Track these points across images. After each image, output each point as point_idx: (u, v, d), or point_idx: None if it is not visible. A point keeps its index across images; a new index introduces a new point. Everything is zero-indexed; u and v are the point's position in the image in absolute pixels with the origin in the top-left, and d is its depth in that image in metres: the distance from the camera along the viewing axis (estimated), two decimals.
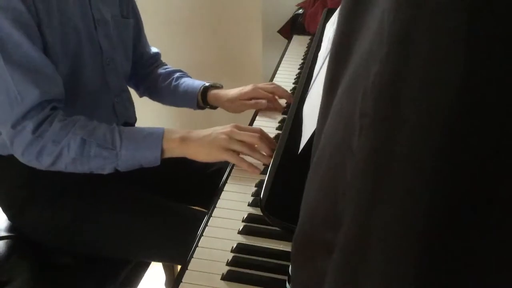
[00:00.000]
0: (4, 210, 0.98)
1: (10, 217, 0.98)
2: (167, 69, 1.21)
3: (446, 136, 0.25)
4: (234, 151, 0.86)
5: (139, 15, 1.16)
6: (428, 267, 0.26)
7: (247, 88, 1.10)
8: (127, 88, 1.13)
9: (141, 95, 1.25)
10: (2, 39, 0.79)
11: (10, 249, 0.93)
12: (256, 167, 0.86)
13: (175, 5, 1.86)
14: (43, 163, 0.84)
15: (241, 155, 0.87)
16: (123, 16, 1.06)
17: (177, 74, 1.19)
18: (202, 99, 1.14)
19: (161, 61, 1.25)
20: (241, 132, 0.87)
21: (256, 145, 0.87)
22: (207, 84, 1.14)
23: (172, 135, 0.86)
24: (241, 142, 0.86)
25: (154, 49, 1.23)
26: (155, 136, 0.86)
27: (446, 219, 0.26)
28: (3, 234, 0.96)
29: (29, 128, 0.81)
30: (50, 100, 0.84)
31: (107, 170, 0.86)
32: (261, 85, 1.11)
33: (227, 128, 0.87)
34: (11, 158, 0.90)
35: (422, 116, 0.26)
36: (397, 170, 0.27)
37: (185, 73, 1.22)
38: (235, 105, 1.11)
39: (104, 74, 0.99)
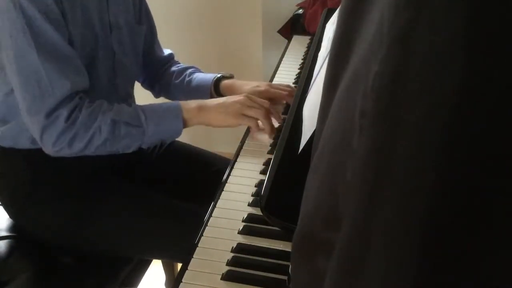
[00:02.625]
0: (6, 208, 0.99)
1: (11, 214, 0.98)
2: (179, 67, 1.21)
3: (446, 136, 0.25)
4: (248, 117, 0.91)
5: (153, 21, 1.17)
6: (428, 267, 0.26)
7: (260, 88, 1.08)
8: (133, 94, 1.13)
9: (157, 96, 1.25)
10: (35, 31, 0.81)
11: (11, 249, 0.93)
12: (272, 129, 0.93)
13: (175, 5, 1.86)
14: (74, 149, 0.86)
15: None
16: (137, 22, 1.07)
17: (190, 70, 1.20)
18: (215, 91, 1.14)
19: (175, 60, 1.25)
20: (253, 101, 0.93)
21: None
22: (218, 75, 1.15)
23: (189, 105, 0.92)
24: (254, 109, 0.91)
25: (167, 51, 1.24)
26: (174, 108, 0.91)
27: (446, 219, 0.26)
28: (4, 234, 0.96)
29: (62, 117, 0.83)
30: (79, 91, 0.87)
31: (133, 148, 0.90)
32: (276, 85, 1.11)
33: (240, 97, 0.94)
34: (13, 153, 0.90)
35: (422, 116, 0.26)
36: (397, 170, 0.27)
37: (198, 68, 1.22)
38: None
39: (114, 78, 1.00)
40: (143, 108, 0.90)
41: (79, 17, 0.88)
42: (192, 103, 0.92)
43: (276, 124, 0.96)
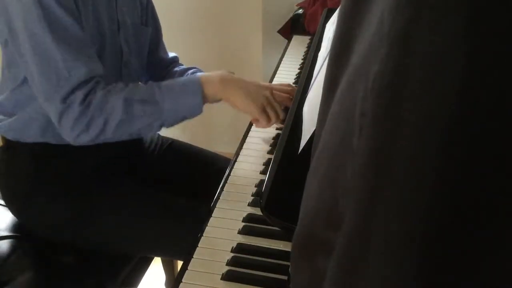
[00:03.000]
0: (8, 206, 0.99)
1: (13, 211, 0.99)
2: (181, 68, 1.22)
3: (446, 136, 0.25)
4: (267, 116, 0.89)
5: (159, 23, 1.17)
6: (428, 267, 0.26)
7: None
8: None
9: None
10: (52, 19, 0.81)
11: (11, 249, 0.93)
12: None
13: (176, 5, 1.86)
14: (92, 134, 0.85)
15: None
16: (142, 23, 1.07)
17: (191, 71, 1.19)
18: None
19: (179, 63, 1.24)
20: (277, 97, 0.92)
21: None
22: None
23: (211, 79, 0.88)
24: (274, 110, 0.90)
25: (171, 54, 1.24)
26: (193, 82, 0.88)
27: (446, 219, 0.26)
28: (5, 233, 0.97)
29: (78, 101, 0.82)
30: (95, 77, 0.86)
31: (155, 128, 0.87)
32: (277, 86, 1.04)
33: (267, 90, 0.91)
34: (17, 146, 0.90)
35: (422, 116, 0.26)
36: (397, 170, 0.27)
37: (199, 69, 1.21)
38: None
39: (121, 75, 1.00)
40: (160, 84, 0.88)
41: (90, 13, 0.88)
42: (215, 77, 0.89)
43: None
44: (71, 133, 0.85)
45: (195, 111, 0.88)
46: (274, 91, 0.97)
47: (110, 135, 0.86)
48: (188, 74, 1.16)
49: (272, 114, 0.90)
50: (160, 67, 1.20)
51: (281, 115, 0.91)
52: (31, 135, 0.92)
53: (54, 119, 0.85)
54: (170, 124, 0.88)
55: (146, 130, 0.87)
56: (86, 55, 0.85)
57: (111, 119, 0.84)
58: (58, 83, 0.82)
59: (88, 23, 0.88)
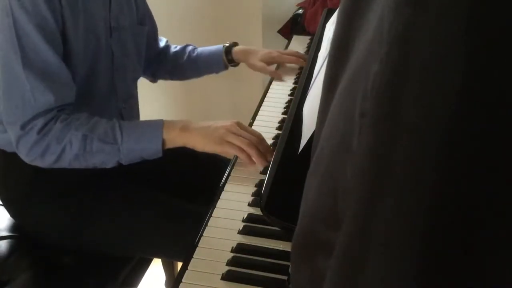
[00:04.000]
0: (6, 207, 0.99)
1: (12, 214, 0.98)
2: (176, 48, 1.27)
3: (446, 136, 0.25)
4: (232, 144, 0.85)
5: (154, 21, 1.20)
6: (428, 267, 0.26)
7: (273, 53, 1.24)
8: (136, 95, 1.14)
9: (154, 81, 1.31)
10: (24, 43, 0.80)
11: (11, 249, 0.93)
12: (254, 162, 0.85)
13: (175, 5, 1.86)
14: (47, 162, 0.85)
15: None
16: (139, 23, 1.07)
17: (190, 48, 1.26)
18: (227, 59, 1.24)
19: (171, 45, 1.29)
20: (241, 129, 0.87)
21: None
22: (227, 44, 1.25)
23: (172, 125, 0.88)
24: (239, 137, 0.85)
25: (162, 40, 1.28)
26: (155, 127, 0.87)
27: (446, 219, 0.26)
28: (4, 234, 0.97)
29: (36, 128, 0.82)
30: (61, 105, 0.86)
31: (110, 164, 0.87)
32: (284, 51, 1.27)
33: (227, 122, 0.88)
34: (15, 155, 0.90)
35: (422, 116, 0.26)
36: (397, 170, 0.27)
37: (194, 45, 1.29)
38: (259, 65, 1.22)
39: (113, 79, 1.00)
40: (122, 124, 0.87)
41: (81, 22, 0.88)
42: (176, 123, 0.88)
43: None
44: (26, 157, 0.85)
45: (154, 155, 0.88)
46: (240, 123, 0.93)
47: (66, 165, 0.86)
48: (188, 51, 1.24)
49: (236, 141, 0.85)
50: (156, 57, 1.25)
51: (253, 138, 0.86)
52: None
53: (12, 140, 0.85)
54: (127, 162, 0.88)
55: (101, 165, 0.87)
56: (57, 83, 0.84)
57: (67, 152, 0.84)
58: (22, 109, 0.82)
59: (78, 33, 0.87)
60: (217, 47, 1.25)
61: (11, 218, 1.00)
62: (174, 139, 0.88)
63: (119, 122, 0.87)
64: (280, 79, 1.23)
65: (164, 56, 1.26)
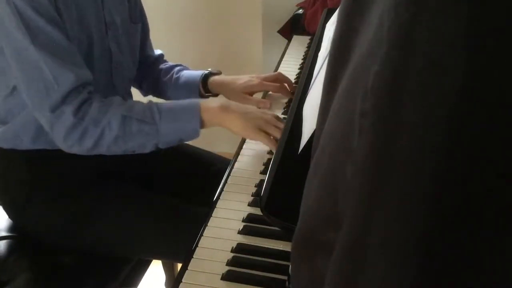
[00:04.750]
0: (5, 208, 0.98)
1: (11, 215, 0.98)
2: (167, 65, 1.21)
3: (446, 136, 0.25)
4: (267, 133, 0.87)
5: (146, 19, 1.16)
6: (428, 267, 0.26)
7: (253, 81, 1.10)
8: (131, 92, 1.13)
9: (145, 94, 1.24)
10: (33, 29, 0.80)
11: (10, 249, 0.93)
12: None
13: (175, 5, 1.86)
14: (85, 146, 0.84)
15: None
16: (132, 21, 1.06)
17: (177, 68, 1.19)
18: (204, 87, 1.13)
19: (163, 60, 1.24)
20: (279, 122, 0.90)
21: None
22: (206, 71, 1.14)
23: (210, 104, 0.88)
24: (278, 128, 0.88)
25: (158, 51, 1.23)
26: (193, 107, 0.87)
27: (447, 219, 0.26)
28: (3, 234, 0.96)
29: (69, 112, 0.81)
30: (84, 84, 0.85)
31: (149, 147, 0.87)
32: (266, 75, 1.12)
33: (267, 113, 0.90)
34: (13, 155, 0.90)
35: (422, 116, 0.26)
36: (397, 170, 0.27)
37: (185, 66, 1.21)
38: (238, 97, 1.09)
39: (112, 77, 1.00)
40: (159, 105, 0.87)
41: (74, 17, 0.87)
42: (214, 102, 0.88)
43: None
44: (64, 143, 0.84)
45: (192, 136, 0.88)
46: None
47: (104, 150, 0.85)
48: (174, 71, 1.16)
49: (273, 131, 0.88)
50: (146, 64, 1.19)
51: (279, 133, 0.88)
52: (24, 144, 0.92)
53: (46, 128, 0.85)
54: (165, 145, 0.88)
55: (140, 149, 0.87)
56: (71, 62, 0.84)
57: (106, 134, 0.83)
58: (47, 92, 0.81)
59: (72, 29, 0.87)
60: (198, 73, 1.14)
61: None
62: (212, 119, 0.88)
63: (156, 103, 0.87)
64: (266, 107, 1.08)
65: (153, 68, 1.20)
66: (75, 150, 0.85)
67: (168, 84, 1.16)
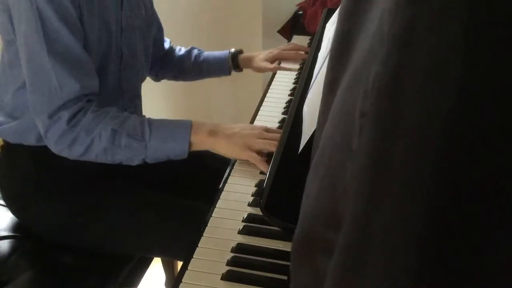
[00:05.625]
0: (9, 204, 0.99)
1: (14, 211, 0.99)
2: (181, 51, 1.29)
3: (446, 136, 0.25)
4: (256, 152, 0.87)
5: (160, 22, 1.22)
6: (428, 267, 0.26)
7: (274, 52, 1.29)
8: (140, 94, 1.14)
9: (157, 80, 1.33)
10: (49, 33, 0.80)
11: (11, 249, 0.93)
12: None
13: (175, 5, 1.86)
14: (74, 153, 0.85)
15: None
16: (147, 25, 1.08)
17: (195, 51, 1.29)
18: (233, 64, 1.28)
19: (173, 47, 1.31)
20: (269, 134, 0.89)
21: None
22: (232, 50, 1.28)
23: (200, 128, 0.88)
24: (267, 141, 0.87)
25: (166, 42, 1.29)
26: (183, 129, 0.88)
27: (447, 218, 0.26)
28: (4, 233, 0.97)
29: (64, 118, 0.83)
30: (88, 94, 0.86)
31: (136, 161, 0.88)
32: (284, 46, 1.33)
33: (255, 130, 0.90)
34: (17, 153, 0.90)
35: (422, 116, 0.26)
36: (397, 170, 0.27)
37: (199, 48, 1.31)
38: (262, 66, 1.26)
39: (120, 78, 1.00)
40: (152, 122, 0.88)
41: (96, 18, 0.88)
42: (204, 127, 0.89)
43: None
44: (55, 147, 0.86)
45: (180, 156, 0.88)
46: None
47: (93, 158, 0.86)
48: (194, 56, 1.27)
49: (262, 146, 0.87)
50: (162, 57, 1.27)
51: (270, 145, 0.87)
52: (31, 140, 0.93)
53: (41, 131, 0.86)
54: (153, 161, 0.88)
55: (127, 162, 0.88)
56: (82, 72, 0.85)
57: (95, 144, 0.84)
58: (50, 98, 0.82)
59: (94, 28, 0.88)
60: (223, 52, 1.28)
61: (11, 218, 1.00)
62: (201, 143, 0.89)
63: (149, 120, 0.88)
64: (285, 69, 1.28)
65: (169, 59, 1.27)
66: (65, 154, 0.86)
67: (191, 68, 1.28)
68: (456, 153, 0.25)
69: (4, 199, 1.00)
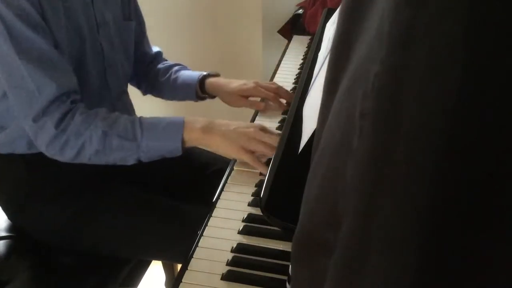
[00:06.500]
0: (4, 209, 0.98)
1: (9, 215, 0.98)
2: (165, 64, 1.20)
3: (446, 136, 0.25)
4: (252, 151, 0.85)
5: (141, 16, 1.16)
6: (428, 268, 0.26)
7: (248, 84, 1.08)
8: (127, 90, 1.13)
9: (144, 93, 1.24)
10: (16, 36, 0.80)
11: (10, 249, 0.93)
12: None
13: (175, 5, 1.86)
14: (66, 156, 0.85)
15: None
16: (125, 18, 1.05)
17: (176, 68, 1.18)
18: (201, 89, 1.13)
19: (162, 58, 1.24)
20: (266, 134, 0.87)
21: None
22: (205, 73, 1.14)
23: (193, 125, 0.86)
24: (263, 142, 0.85)
25: (155, 48, 1.23)
26: (176, 126, 0.86)
27: (447, 219, 0.26)
28: (3, 234, 0.96)
29: (51, 123, 0.82)
30: (68, 93, 0.85)
31: (130, 161, 0.87)
32: (263, 83, 1.09)
33: (251, 128, 0.87)
34: (11, 156, 0.90)
35: (422, 116, 0.26)
36: (397, 170, 0.27)
37: (184, 66, 1.21)
38: (233, 98, 1.09)
39: (105, 76, 0.99)
40: (143, 121, 0.86)
41: (62, 21, 0.87)
42: (197, 123, 0.86)
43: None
44: (46, 152, 0.85)
45: (173, 154, 0.87)
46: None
47: (86, 160, 0.86)
48: (172, 71, 1.16)
49: (258, 147, 0.85)
50: (143, 62, 1.19)
51: (270, 151, 0.85)
52: (22, 148, 0.92)
53: (31, 136, 0.85)
54: (147, 160, 0.87)
55: (121, 162, 0.87)
56: (55, 70, 0.83)
57: (86, 148, 0.84)
58: (29, 102, 0.82)
59: (61, 32, 0.86)
60: (195, 74, 1.14)
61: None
62: (196, 140, 0.87)
63: (139, 119, 0.87)
64: (263, 110, 1.07)
65: (151, 67, 1.20)
66: (57, 158, 0.86)
67: (166, 84, 1.16)
68: (456, 153, 0.25)
69: (0, 204, 0.99)
